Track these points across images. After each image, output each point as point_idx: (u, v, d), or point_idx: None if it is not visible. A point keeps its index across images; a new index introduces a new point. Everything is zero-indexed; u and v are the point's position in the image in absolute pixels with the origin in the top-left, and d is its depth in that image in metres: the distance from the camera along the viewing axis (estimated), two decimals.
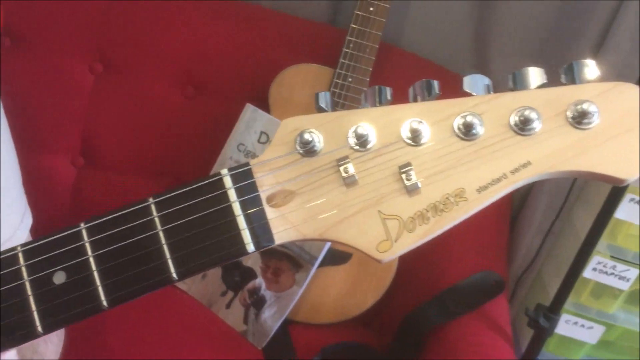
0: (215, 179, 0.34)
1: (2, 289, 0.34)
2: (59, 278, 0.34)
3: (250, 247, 0.33)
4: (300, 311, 1.03)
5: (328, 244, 0.98)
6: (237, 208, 0.34)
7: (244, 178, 0.34)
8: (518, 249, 1.09)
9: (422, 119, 0.33)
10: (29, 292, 0.34)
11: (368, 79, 1.00)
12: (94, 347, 0.93)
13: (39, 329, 0.34)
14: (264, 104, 1.04)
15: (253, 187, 0.34)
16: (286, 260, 1.00)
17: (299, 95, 1.03)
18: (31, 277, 0.34)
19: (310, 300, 1.03)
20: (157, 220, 0.34)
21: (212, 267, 0.35)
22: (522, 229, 1.08)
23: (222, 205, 0.34)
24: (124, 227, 0.34)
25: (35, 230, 0.59)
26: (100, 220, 0.35)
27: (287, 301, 1.00)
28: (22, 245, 0.35)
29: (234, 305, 1.02)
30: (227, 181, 0.34)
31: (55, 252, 0.34)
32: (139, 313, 0.98)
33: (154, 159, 1.12)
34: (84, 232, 0.34)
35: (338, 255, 1.03)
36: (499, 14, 1.10)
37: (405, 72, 1.10)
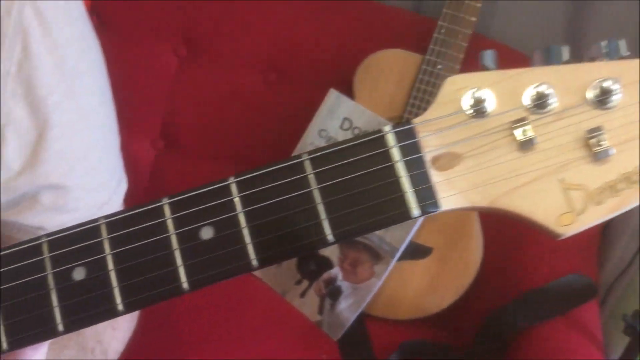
0: (376, 135, 0.32)
1: (149, 240, 0.32)
2: (207, 233, 0.32)
3: (415, 211, 0.31)
4: (376, 305, 1.00)
5: (410, 237, 0.94)
6: (400, 168, 0.31)
7: (407, 137, 0.31)
8: (611, 253, 1.03)
9: (617, 78, 0.29)
10: (175, 246, 0.32)
11: (459, 67, 0.96)
12: (165, 334, 0.93)
13: (185, 285, 0.32)
14: (346, 91, 1.01)
15: (416, 147, 0.31)
16: (365, 251, 0.97)
17: (386, 81, 1.00)
18: (178, 231, 0.32)
19: (387, 295, 1.00)
20: (311, 177, 0.32)
21: (370, 232, 0.32)
22: (615, 232, 1.02)
23: (384, 165, 0.31)
24: (276, 183, 0.32)
25: None
26: (250, 175, 0.32)
27: (364, 293, 0.97)
28: (169, 197, 0.33)
29: (309, 295, 1.00)
30: (390, 139, 0.32)
31: (203, 207, 0.32)
32: (212, 298, 0.97)
33: (232, 145, 1.11)
34: (234, 186, 0.32)
35: (418, 250, 0.99)
36: (597, 14, 1.04)
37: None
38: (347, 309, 0.97)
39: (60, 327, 0.33)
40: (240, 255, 0.32)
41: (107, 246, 0.33)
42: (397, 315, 1.01)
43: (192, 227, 0.32)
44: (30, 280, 0.34)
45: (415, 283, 1.01)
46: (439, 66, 0.96)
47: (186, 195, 0.33)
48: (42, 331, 0.34)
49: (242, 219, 0.32)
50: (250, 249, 0.32)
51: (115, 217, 0.34)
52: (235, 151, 1.11)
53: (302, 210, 0.32)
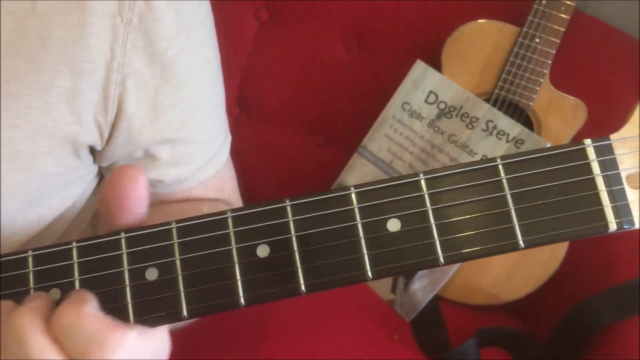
0: (577, 147, 0.33)
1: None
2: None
3: (612, 226, 0.32)
4: (452, 288, 0.96)
5: None
6: (600, 182, 0.32)
7: (607, 152, 0.33)
8: None
9: None
10: (235, 260, 0.34)
11: (558, 41, 0.90)
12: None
13: (242, 300, 0.34)
14: (434, 64, 0.96)
15: (614, 164, 0.33)
16: None
17: (477, 54, 0.95)
18: (239, 245, 0.34)
19: (464, 278, 0.96)
20: (504, 182, 0.33)
21: (568, 240, 0.35)
22: None
23: (585, 177, 0.33)
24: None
25: None
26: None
27: (441, 275, 0.93)
28: (232, 210, 0.35)
29: None
30: (591, 152, 0.33)
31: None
32: None
33: (309, 115, 1.08)
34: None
35: None
36: None
37: (594, 40, 0.99)
38: (422, 290, 0.94)
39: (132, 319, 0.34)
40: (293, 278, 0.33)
41: (177, 250, 0.34)
42: (472, 300, 0.97)
43: (250, 244, 0.34)
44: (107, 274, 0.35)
45: (494, 268, 0.96)
46: (537, 40, 0.90)
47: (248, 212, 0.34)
48: None
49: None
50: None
51: (186, 223, 0.34)
52: (310, 122, 1.08)
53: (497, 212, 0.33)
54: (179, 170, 0.53)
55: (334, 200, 0.34)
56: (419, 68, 0.95)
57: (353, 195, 0.33)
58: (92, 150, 0.51)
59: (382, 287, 0.96)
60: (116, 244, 0.35)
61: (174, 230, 0.34)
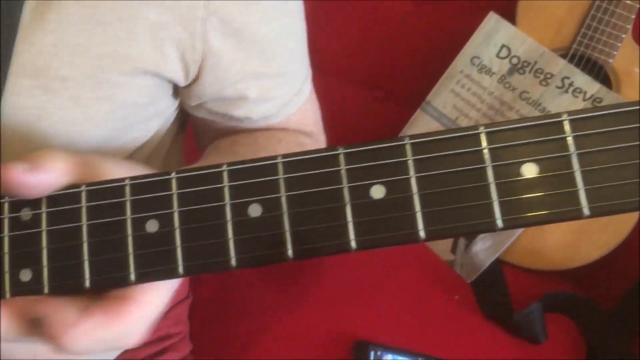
0: None
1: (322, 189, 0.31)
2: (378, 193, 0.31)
3: None
4: (514, 252, 0.93)
5: None
6: None
7: None
8: None
9: None
10: (347, 200, 0.31)
11: None
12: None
13: (353, 243, 0.31)
14: (508, 17, 0.91)
15: None
16: None
17: (555, 7, 0.90)
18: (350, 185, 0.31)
19: (528, 242, 0.93)
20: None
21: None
22: None
23: None
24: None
25: None
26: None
27: (504, 237, 0.90)
28: (345, 147, 0.31)
29: None
30: None
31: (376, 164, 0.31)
32: None
33: (369, 68, 1.05)
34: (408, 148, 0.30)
35: None
36: None
37: None
38: (484, 251, 0.91)
39: (233, 262, 0.32)
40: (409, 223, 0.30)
41: (282, 186, 0.32)
42: (535, 265, 0.94)
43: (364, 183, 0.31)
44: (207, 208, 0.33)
45: (559, 233, 0.93)
46: None
47: (361, 149, 0.31)
48: (216, 262, 0.32)
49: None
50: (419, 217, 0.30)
51: (292, 158, 0.32)
52: (372, 77, 1.05)
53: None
54: (266, 106, 0.53)
55: (459, 141, 0.30)
56: (492, 20, 0.90)
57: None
58: (175, 87, 0.50)
59: (441, 248, 0.94)
60: (218, 177, 0.33)
61: (280, 166, 0.32)
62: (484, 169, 0.30)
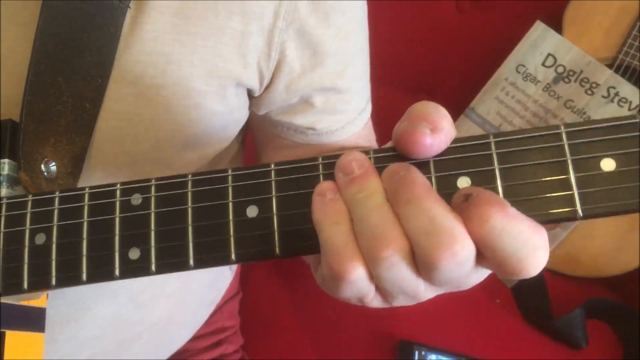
0: None
1: None
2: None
3: None
4: (554, 259, 0.94)
5: None
6: None
7: None
8: None
9: None
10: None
11: None
12: None
13: None
14: (554, 26, 0.93)
15: None
16: None
17: (601, 17, 0.91)
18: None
19: (568, 250, 0.94)
20: None
21: None
22: None
23: None
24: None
25: None
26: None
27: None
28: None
29: None
30: None
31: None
32: None
33: (412, 73, 1.06)
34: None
35: None
36: None
37: None
38: None
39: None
40: None
41: None
42: (575, 271, 0.95)
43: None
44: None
45: (600, 240, 0.94)
46: None
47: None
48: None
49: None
50: None
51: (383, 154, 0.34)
52: (415, 80, 1.07)
53: None
54: (331, 119, 0.53)
55: (541, 137, 0.33)
56: (539, 29, 0.92)
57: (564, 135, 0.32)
58: (250, 96, 0.52)
59: None
60: (314, 169, 0.35)
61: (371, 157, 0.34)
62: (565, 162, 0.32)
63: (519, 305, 0.89)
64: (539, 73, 0.92)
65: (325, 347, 0.81)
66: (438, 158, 0.34)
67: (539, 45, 0.92)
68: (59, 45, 0.41)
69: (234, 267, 0.77)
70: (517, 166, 0.33)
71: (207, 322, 0.70)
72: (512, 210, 0.29)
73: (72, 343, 0.50)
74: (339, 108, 0.53)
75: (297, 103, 0.52)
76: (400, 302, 0.34)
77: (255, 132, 0.60)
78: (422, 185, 0.31)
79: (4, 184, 0.39)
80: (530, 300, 0.89)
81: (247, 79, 0.48)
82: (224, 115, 0.50)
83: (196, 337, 0.69)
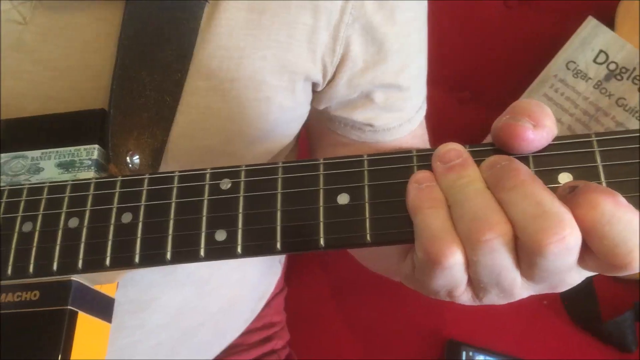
0: None
1: None
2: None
3: None
4: None
5: None
6: None
7: None
8: None
9: None
10: None
11: None
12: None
13: None
14: (606, 22, 0.91)
15: None
16: None
17: None
18: None
19: None
20: None
21: None
22: None
23: None
24: None
25: None
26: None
27: None
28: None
29: None
30: None
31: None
32: None
33: (460, 71, 1.05)
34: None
35: None
36: None
37: None
38: None
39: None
40: None
41: None
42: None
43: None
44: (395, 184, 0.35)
45: None
46: None
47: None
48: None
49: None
50: None
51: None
52: (457, 78, 1.05)
53: None
54: (389, 116, 0.52)
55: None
56: (590, 25, 0.90)
57: None
58: (313, 91, 0.52)
59: None
60: (407, 160, 0.35)
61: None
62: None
63: (567, 308, 0.87)
64: (590, 70, 0.90)
65: (372, 346, 0.80)
66: (537, 154, 0.34)
67: (590, 41, 0.90)
68: (143, 40, 0.42)
69: (283, 261, 0.76)
70: (621, 164, 0.32)
71: (257, 317, 0.70)
72: (623, 200, 0.29)
73: (141, 330, 0.50)
74: (398, 106, 0.53)
75: (357, 98, 0.51)
76: (491, 298, 0.33)
77: (311, 129, 0.59)
78: (527, 173, 0.30)
79: (93, 167, 0.39)
80: (579, 303, 0.87)
81: (314, 74, 0.48)
82: (291, 110, 0.50)
83: (247, 332, 0.68)
